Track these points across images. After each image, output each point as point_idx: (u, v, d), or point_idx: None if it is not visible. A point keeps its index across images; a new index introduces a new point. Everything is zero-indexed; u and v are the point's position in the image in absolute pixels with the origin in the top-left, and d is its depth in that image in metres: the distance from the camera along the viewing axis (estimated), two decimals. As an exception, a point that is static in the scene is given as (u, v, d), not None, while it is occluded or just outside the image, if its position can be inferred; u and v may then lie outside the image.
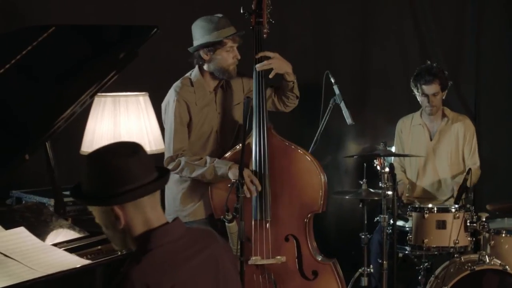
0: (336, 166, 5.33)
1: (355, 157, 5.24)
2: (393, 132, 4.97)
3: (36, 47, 2.99)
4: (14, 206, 3.37)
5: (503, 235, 4.07)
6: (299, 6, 5.19)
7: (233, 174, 3.58)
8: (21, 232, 2.52)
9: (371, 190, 4.14)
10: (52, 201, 3.34)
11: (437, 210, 4.11)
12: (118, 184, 2.02)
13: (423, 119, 4.83)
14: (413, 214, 4.14)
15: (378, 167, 4.04)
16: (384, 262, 4.03)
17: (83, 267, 2.42)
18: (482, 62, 5.58)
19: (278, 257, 3.68)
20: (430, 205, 4.20)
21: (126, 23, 3.34)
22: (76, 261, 2.47)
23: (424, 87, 4.67)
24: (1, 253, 2.36)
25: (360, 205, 4.18)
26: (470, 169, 4.20)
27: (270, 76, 3.78)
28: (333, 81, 4.37)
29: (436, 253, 4.17)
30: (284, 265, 3.69)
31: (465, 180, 4.13)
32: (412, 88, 4.76)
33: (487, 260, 3.85)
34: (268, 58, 3.75)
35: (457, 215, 4.05)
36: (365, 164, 4.17)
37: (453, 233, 4.03)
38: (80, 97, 2.69)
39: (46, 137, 2.73)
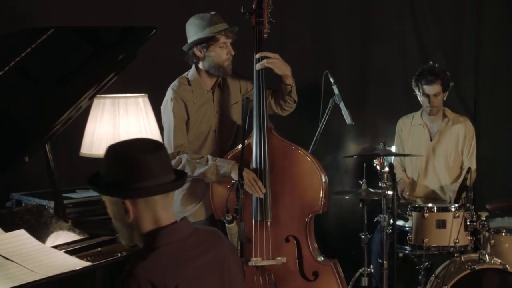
0: (336, 166, 5.32)
1: (354, 157, 5.25)
2: (393, 132, 4.97)
3: (35, 49, 2.98)
4: (14, 209, 3.36)
5: (503, 234, 4.08)
6: (299, 6, 5.19)
7: (235, 173, 3.56)
8: (21, 235, 2.52)
9: (371, 190, 4.14)
10: (52, 203, 3.34)
11: (437, 210, 4.11)
12: (134, 178, 2.02)
13: (424, 119, 4.82)
14: (413, 213, 4.14)
15: (378, 167, 4.04)
16: (385, 262, 4.03)
17: (84, 269, 2.42)
18: (482, 62, 5.58)
19: (279, 258, 3.67)
20: (430, 205, 4.20)
21: (126, 24, 3.34)
22: (76, 263, 2.48)
23: (425, 87, 4.65)
24: (1, 256, 2.36)
25: (360, 205, 4.18)
26: (470, 168, 4.20)
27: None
28: (332, 81, 4.36)
29: (436, 252, 4.18)
30: (285, 266, 3.68)
31: (464, 179, 4.13)
32: (413, 88, 4.75)
33: (487, 259, 3.85)
34: (268, 58, 3.75)
35: (457, 214, 4.05)
36: (364, 164, 4.16)
37: (453, 232, 4.03)
38: (79, 98, 2.68)
39: (46, 139, 2.72)
